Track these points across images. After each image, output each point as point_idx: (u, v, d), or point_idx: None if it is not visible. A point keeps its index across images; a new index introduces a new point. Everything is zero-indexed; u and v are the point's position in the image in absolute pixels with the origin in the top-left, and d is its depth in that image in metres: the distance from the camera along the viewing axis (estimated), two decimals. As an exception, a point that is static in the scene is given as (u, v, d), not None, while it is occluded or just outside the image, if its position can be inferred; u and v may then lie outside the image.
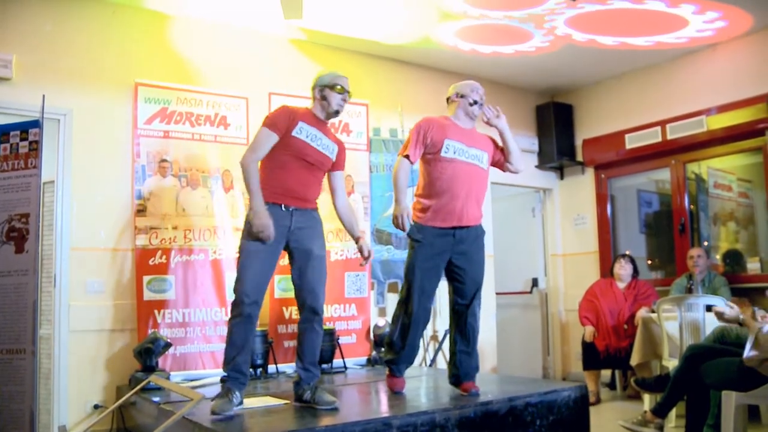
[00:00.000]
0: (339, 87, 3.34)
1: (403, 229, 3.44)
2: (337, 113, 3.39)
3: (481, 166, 3.58)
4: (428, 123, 3.56)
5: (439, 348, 5.34)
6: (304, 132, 3.24)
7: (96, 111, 4.48)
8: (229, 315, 3.17)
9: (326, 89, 3.34)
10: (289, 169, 3.22)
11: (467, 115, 3.62)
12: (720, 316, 3.47)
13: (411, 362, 3.69)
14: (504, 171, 3.77)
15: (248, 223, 3.15)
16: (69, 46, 4.45)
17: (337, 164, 3.47)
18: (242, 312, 3.10)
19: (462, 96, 3.62)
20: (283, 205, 3.19)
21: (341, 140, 3.55)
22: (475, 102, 3.59)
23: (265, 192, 3.15)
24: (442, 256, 3.49)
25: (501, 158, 3.71)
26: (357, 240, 3.49)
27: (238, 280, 3.14)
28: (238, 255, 3.21)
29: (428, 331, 5.62)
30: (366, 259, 3.50)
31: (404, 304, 3.54)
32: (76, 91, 4.43)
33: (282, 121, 3.22)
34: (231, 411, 2.97)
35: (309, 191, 3.30)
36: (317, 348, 3.29)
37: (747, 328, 3.32)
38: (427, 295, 3.53)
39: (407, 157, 3.50)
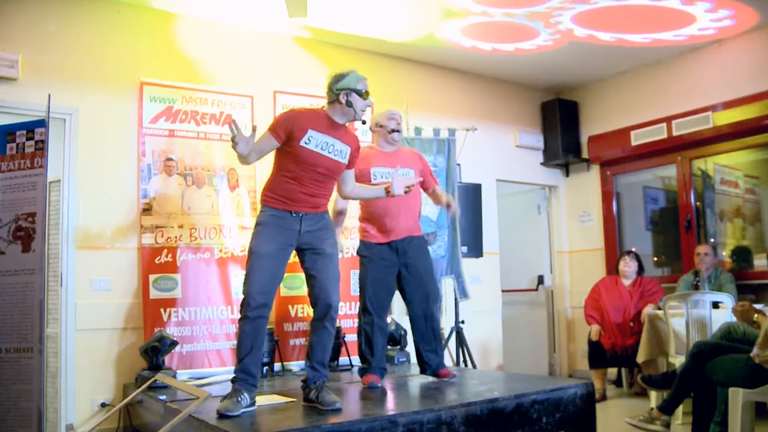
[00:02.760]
0: (366, 92, 3.19)
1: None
2: (359, 120, 3.23)
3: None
4: None
5: (445, 345, 5.33)
6: (313, 141, 3.08)
7: (101, 110, 4.49)
8: (239, 316, 3.10)
9: (353, 94, 3.16)
10: (299, 181, 3.10)
11: (388, 142, 3.92)
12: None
13: (384, 368, 3.90)
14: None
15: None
16: (74, 46, 4.46)
17: (351, 163, 3.34)
18: (249, 314, 3.04)
19: (381, 126, 3.92)
20: (292, 212, 3.12)
21: (356, 137, 3.37)
22: (394, 130, 3.89)
23: (274, 200, 3.12)
24: (390, 268, 3.82)
25: (425, 182, 3.95)
26: (387, 191, 3.45)
27: (246, 282, 3.07)
28: (247, 257, 3.14)
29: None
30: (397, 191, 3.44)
31: (362, 313, 3.85)
32: (82, 91, 4.44)
33: (282, 128, 3.07)
34: (237, 412, 2.93)
35: (316, 200, 3.18)
36: (327, 348, 3.22)
37: (758, 327, 3.31)
38: (382, 305, 3.84)
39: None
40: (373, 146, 4.00)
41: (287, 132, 3.07)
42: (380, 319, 3.84)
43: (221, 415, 2.89)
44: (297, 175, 3.10)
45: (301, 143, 3.07)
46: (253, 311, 3.04)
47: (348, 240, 5.04)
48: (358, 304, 3.90)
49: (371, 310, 3.80)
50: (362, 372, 3.88)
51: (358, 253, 3.92)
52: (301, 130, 3.07)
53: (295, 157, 3.09)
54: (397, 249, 3.81)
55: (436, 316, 3.95)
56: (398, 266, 3.83)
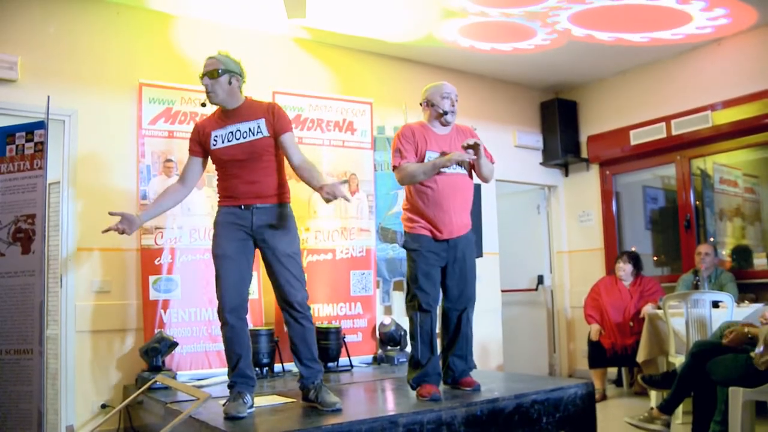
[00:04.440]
0: (200, 75, 3.22)
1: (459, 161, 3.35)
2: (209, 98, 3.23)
3: (464, 173, 3.53)
4: (410, 131, 3.51)
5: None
6: (219, 139, 3.20)
7: (101, 111, 4.49)
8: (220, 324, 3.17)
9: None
10: (229, 175, 3.20)
11: (441, 123, 3.55)
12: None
13: (440, 373, 3.53)
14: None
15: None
16: (73, 47, 4.46)
17: (276, 130, 3.18)
18: (227, 320, 3.11)
19: (432, 105, 3.53)
20: (242, 206, 3.17)
21: (268, 104, 3.31)
22: (446, 113, 3.50)
23: (222, 199, 3.24)
24: (438, 261, 3.48)
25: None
26: (320, 188, 2.98)
27: (217, 288, 3.15)
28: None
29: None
30: (327, 198, 2.96)
31: (418, 313, 3.43)
32: (81, 92, 4.44)
33: (194, 144, 3.28)
34: (245, 413, 2.96)
35: (258, 185, 3.16)
36: (310, 343, 3.20)
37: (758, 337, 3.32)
38: (434, 299, 3.49)
39: (401, 164, 3.43)
40: (425, 124, 3.56)
41: (200, 144, 3.26)
42: (434, 315, 3.47)
43: (231, 417, 2.90)
44: (225, 170, 3.23)
45: (212, 147, 3.22)
46: (230, 316, 3.11)
47: (348, 240, 5.04)
48: (409, 303, 3.49)
49: (428, 307, 3.41)
50: (417, 381, 3.40)
51: (404, 246, 3.53)
52: (206, 136, 3.24)
53: (216, 160, 3.25)
54: (448, 242, 3.46)
55: (471, 319, 3.62)
56: (445, 261, 3.48)
